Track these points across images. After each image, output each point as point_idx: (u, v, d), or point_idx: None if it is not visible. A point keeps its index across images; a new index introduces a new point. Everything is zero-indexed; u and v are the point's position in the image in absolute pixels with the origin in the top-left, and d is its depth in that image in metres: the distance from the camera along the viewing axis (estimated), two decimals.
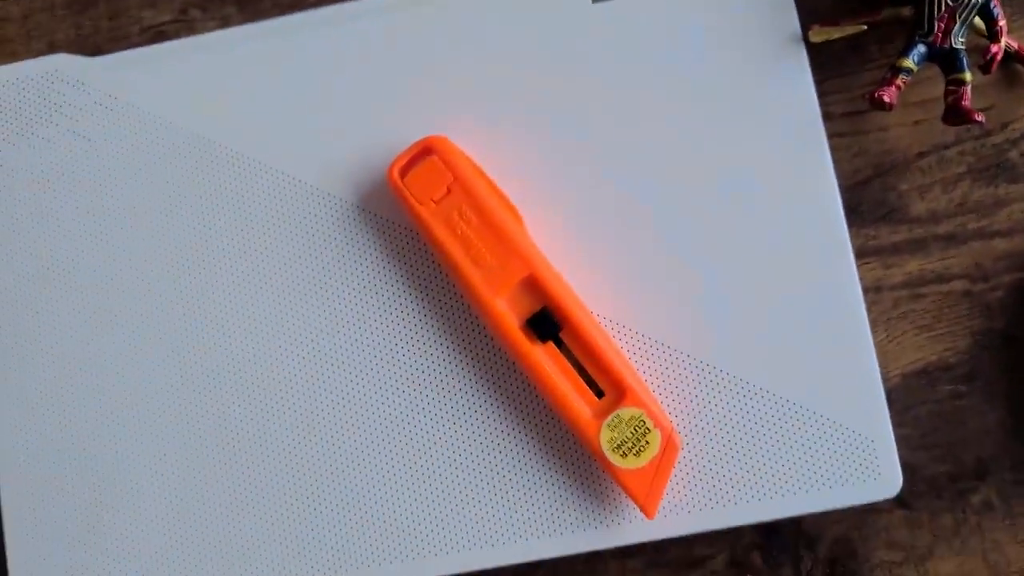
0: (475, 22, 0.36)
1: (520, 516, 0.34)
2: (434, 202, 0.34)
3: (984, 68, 0.34)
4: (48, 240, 0.37)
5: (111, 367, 0.36)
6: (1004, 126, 0.37)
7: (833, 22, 0.36)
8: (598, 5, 0.36)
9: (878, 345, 0.36)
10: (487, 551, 0.34)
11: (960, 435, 0.36)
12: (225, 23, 0.40)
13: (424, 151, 0.35)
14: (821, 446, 0.34)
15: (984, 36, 0.35)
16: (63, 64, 0.38)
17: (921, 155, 0.37)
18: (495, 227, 0.33)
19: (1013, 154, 0.37)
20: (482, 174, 0.35)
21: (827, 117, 0.36)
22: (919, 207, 0.37)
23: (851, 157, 0.37)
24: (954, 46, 0.34)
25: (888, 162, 0.37)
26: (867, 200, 0.37)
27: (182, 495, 0.35)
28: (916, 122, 0.37)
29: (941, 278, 0.37)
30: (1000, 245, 0.36)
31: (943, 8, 0.34)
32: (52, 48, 0.41)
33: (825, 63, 0.37)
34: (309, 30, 0.37)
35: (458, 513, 0.34)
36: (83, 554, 0.35)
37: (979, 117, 0.34)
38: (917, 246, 0.37)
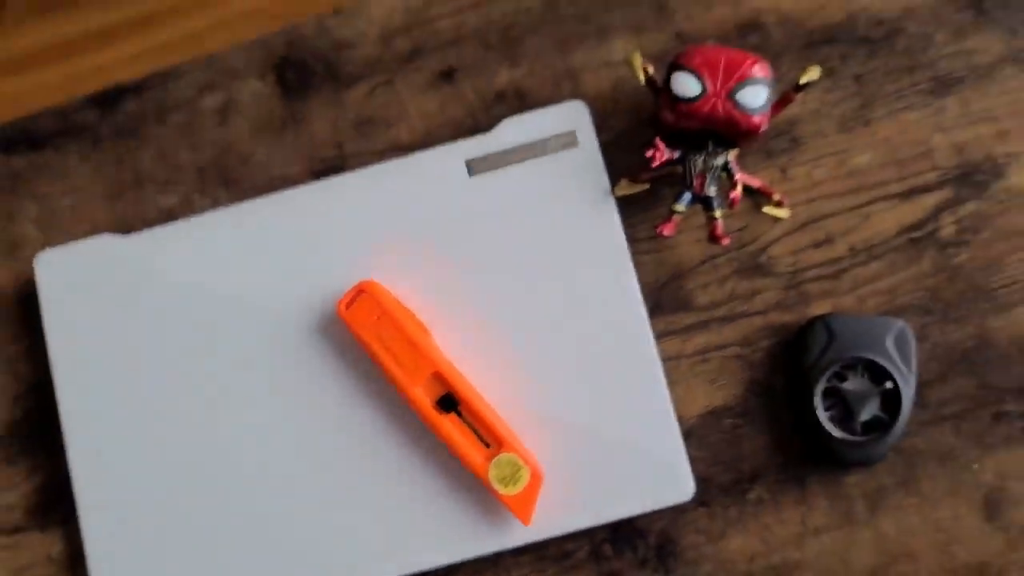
0: (388, 197, 0.53)
1: (439, 529, 0.50)
2: (369, 325, 0.51)
3: (730, 205, 0.51)
4: (104, 379, 0.53)
5: (170, 448, 0.52)
6: (755, 239, 0.54)
7: (635, 178, 0.53)
8: (473, 178, 0.53)
9: (678, 397, 0.53)
10: (416, 555, 0.50)
11: (739, 454, 0.52)
12: (216, 202, 0.56)
13: (360, 291, 0.51)
14: (639, 469, 0.50)
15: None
16: (106, 241, 0.55)
17: (703, 262, 0.54)
18: (411, 341, 0.50)
19: (763, 258, 0.54)
20: (400, 305, 0.51)
21: (635, 239, 0.53)
22: (703, 298, 0.54)
23: (655, 267, 0.54)
24: (707, 194, 0.51)
25: (680, 268, 0.54)
26: (666, 297, 0.54)
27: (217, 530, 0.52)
28: (698, 240, 0.54)
29: (720, 346, 0.53)
30: (758, 321, 0.53)
31: (698, 169, 0.51)
32: (94, 227, 0.57)
33: (635, 201, 0.54)
34: (279, 207, 0.54)
35: (392, 529, 0.51)
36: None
37: (724, 241, 0.51)
38: (703, 326, 0.53)
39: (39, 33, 0.60)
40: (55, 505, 0.54)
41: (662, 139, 0.52)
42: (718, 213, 0.51)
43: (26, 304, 0.56)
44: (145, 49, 0.59)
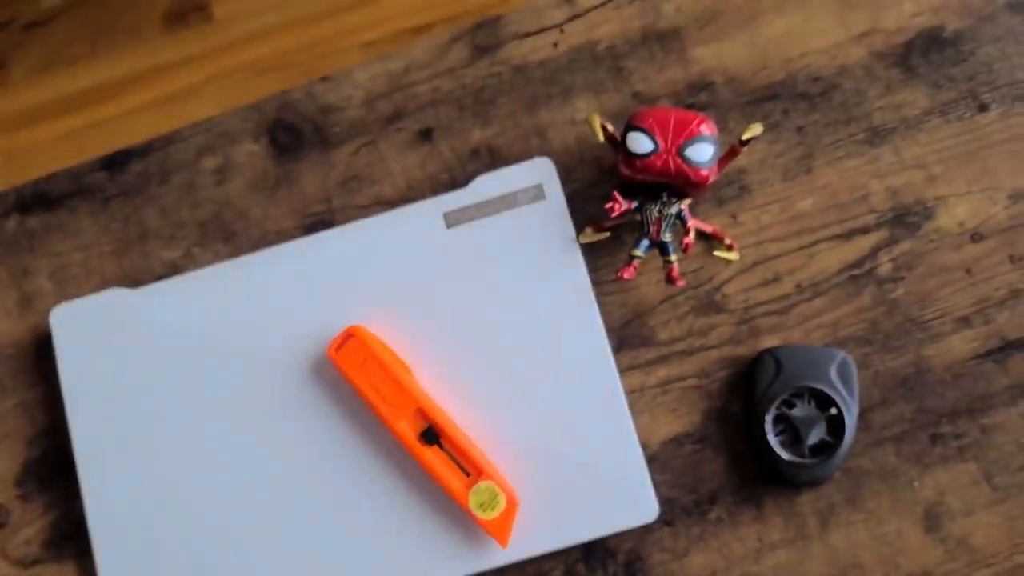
0: (373, 249, 0.58)
1: (424, 553, 0.55)
2: (357, 366, 0.55)
3: (684, 250, 0.56)
4: (115, 421, 0.58)
5: (178, 479, 0.57)
6: (710, 279, 0.59)
7: (598, 226, 0.58)
8: (450, 230, 0.58)
9: (642, 425, 0.57)
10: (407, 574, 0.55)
11: (699, 477, 0.57)
12: (216, 255, 0.61)
13: (349, 335, 0.56)
14: (607, 493, 0.55)
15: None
16: (115, 295, 0.60)
17: (662, 301, 0.59)
18: (395, 380, 0.55)
19: (717, 296, 0.59)
20: (386, 347, 0.56)
21: (599, 282, 0.59)
22: (663, 335, 0.59)
23: (619, 307, 0.59)
24: (663, 240, 0.56)
25: (642, 308, 0.59)
26: (630, 334, 0.59)
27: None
28: (658, 280, 0.59)
29: (680, 378, 0.58)
30: (714, 355, 0.58)
31: (654, 217, 0.56)
32: (104, 281, 0.62)
33: (598, 247, 0.59)
34: (274, 259, 0.59)
35: (381, 553, 0.55)
36: None
37: (680, 283, 0.56)
38: (664, 360, 0.58)
39: (45, 89, 0.66)
40: (70, 539, 0.58)
41: (621, 190, 0.57)
42: (674, 257, 0.56)
43: (41, 354, 0.60)
44: (148, 102, 0.64)
